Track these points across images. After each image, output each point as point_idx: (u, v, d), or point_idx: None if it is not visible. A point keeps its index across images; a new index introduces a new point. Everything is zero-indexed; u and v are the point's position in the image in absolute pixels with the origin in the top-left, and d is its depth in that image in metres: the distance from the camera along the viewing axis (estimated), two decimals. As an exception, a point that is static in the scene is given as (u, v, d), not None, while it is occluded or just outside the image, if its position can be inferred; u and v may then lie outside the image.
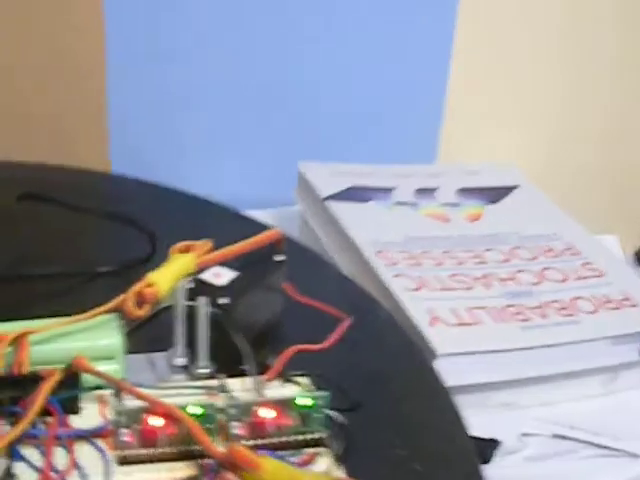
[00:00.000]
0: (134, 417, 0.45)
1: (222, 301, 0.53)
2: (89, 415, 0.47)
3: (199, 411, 0.46)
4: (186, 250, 0.56)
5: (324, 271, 0.76)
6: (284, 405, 0.47)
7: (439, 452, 0.52)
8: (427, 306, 0.79)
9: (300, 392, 0.50)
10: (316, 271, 0.74)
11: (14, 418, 0.46)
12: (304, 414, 0.47)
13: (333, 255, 0.91)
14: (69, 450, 0.45)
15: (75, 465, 0.44)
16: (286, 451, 0.47)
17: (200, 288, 0.54)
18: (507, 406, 0.77)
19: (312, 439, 0.48)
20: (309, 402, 0.47)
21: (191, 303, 0.52)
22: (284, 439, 0.47)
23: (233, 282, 0.55)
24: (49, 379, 0.47)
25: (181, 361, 0.54)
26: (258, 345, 0.53)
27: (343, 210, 0.94)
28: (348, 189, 0.98)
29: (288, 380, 0.52)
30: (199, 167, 1.10)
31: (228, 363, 0.52)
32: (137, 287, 0.52)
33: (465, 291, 0.83)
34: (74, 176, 0.86)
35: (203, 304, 0.52)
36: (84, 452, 0.45)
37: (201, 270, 0.55)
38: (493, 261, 0.88)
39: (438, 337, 0.75)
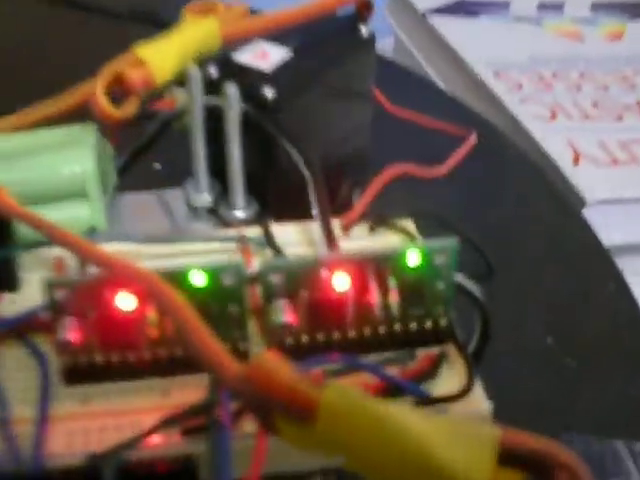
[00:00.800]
0: (85, 295, 0.21)
1: (267, 93, 0.28)
2: (32, 295, 0.24)
3: (207, 280, 0.22)
4: (207, 12, 0.30)
5: (429, 95, 0.55)
6: (377, 267, 0.23)
7: (599, 339, 0.33)
8: (567, 139, 0.57)
9: (405, 243, 0.26)
10: (419, 94, 0.53)
11: None
12: (414, 282, 0.23)
13: (436, 79, 0.69)
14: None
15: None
16: (378, 354, 0.23)
17: (232, 75, 0.29)
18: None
19: (429, 330, 0.24)
20: (422, 261, 0.23)
21: (215, 99, 0.28)
22: (376, 332, 0.23)
23: (287, 67, 0.30)
24: None
25: (205, 199, 0.30)
26: (332, 174, 0.29)
27: (449, 26, 0.73)
28: (454, 1, 0.77)
29: (380, 224, 0.27)
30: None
31: (282, 201, 0.28)
32: (113, 67, 0.27)
33: (614, 122, 0.61)
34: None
35: (233, 98, 0.28)
36: (7, 359, 0.22)
37: (232, 47, 0.30)
38: (644, 86, 0.65)
39: (586, 179, 0.54)
